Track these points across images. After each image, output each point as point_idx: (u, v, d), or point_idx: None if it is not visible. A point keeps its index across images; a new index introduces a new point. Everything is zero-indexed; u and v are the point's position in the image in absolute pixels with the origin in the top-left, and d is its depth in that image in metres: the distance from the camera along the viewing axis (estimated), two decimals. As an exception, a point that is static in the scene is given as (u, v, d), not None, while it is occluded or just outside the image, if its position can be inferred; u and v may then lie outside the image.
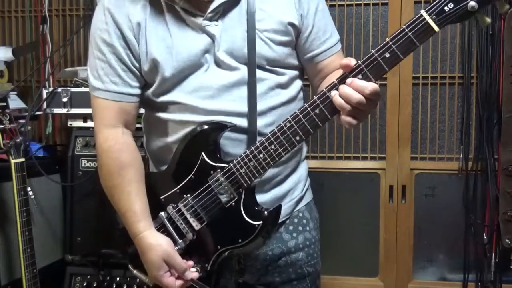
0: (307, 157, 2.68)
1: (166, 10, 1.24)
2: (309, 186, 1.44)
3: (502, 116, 2.23)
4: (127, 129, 1.30)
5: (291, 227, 1.36)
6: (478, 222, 2.43)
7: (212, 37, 1.22)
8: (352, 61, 1.07)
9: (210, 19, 1.22)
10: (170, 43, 1.22)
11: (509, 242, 2.20)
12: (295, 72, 1.33)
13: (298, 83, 1.34)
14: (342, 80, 1.08)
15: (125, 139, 1.29)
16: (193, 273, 1.24)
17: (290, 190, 1.34)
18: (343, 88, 1.07)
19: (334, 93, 1.08)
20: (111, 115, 1.27)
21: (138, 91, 1.29)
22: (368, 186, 2.55)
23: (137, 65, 1.26)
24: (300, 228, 1.37)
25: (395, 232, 2.54)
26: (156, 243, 1.23)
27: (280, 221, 1.31)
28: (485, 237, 2.42)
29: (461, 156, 2.45)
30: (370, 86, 1.05)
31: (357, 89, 1.05)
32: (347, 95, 1.06)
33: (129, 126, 1.31)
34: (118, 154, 1.27)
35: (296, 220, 1.37)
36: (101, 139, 1.29)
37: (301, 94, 1.36)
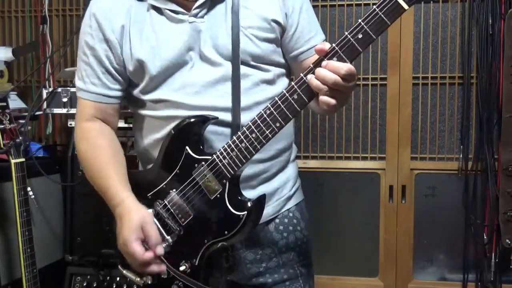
0: (307, 157, 2.69)
1: (151, 10, 1.26)
2: (300, 187, 1.44)
3: (502, 116, 2.23)
4: (105, 124, 1.34)
5: (281, 227, 1.35)
6: (478, 222, 2.43)
7: (199, 32, 1.24)
8: (326, 45, 1.08)
9: (196, 16, 1.24)
10: (154, 43, 1.24)
11: (509, 242, 2.20)
12: (281, 70, 1.34)
13: (284, 81, 1.35)
14: (317, 64, 1.09)
15: (102, 127, 1.33)
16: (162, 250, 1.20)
17: (279, 188, 1.35)
18: (319, 70, 1.08)
19: (310, 76, 1.09)
20: (90, 112, 1.32)
21: (117, 93, 1.32)
22: (368, 186, 2.55)
23: (117, 67, 1.29)
24: (291, 228, 1.37)
25: (395, 232, 2.54)
26: (136, 207, 1.22)
27: (268, 219, 1.32)
28: (485, 237, 2.42)
29: (461, 156, 2.45)
30: (345, 66, 1.06)
31: (332, 70, 1.06)
32: (323, 76, 1.07)
33: (109, 124, 1.35)
34: (94, 139, 1.31)
35: (286, 220, 1.37)
36: (78, 131, 1.33)
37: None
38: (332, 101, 1.08)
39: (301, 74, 1.11)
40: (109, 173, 1.27)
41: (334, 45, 1.08)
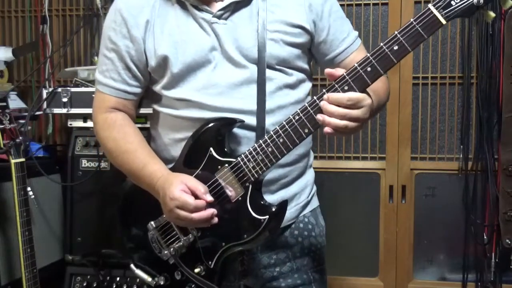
0: (307, 157, 2.66)
1: (175, 6, 1.27)
2: (315, 193, 1.44)
3: (502, 116, 2.23)
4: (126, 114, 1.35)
5: (296, 232, 1.35)
6: (478, 222, 2.43)
7: (217, 35, 1.24)
8: (339, 71, 1.11)
9: (219, 17, 1.24)
10: (178, 39, 1.25)
11: (509, 242, 2.20)
12: (303, 75, 1.33)
13: (306, 86, 1.35)
14: (351, 72, 1.10)
15: (125, 117, 1.33)
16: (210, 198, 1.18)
17: (297, 194, 1.35)
18: (335, 109, 1.10)
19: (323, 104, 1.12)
20: (109, 105, 1.33)
21: (135, 90, 1.33)
22: (368, 186, 2.55)
23: (138, 64, 1.29)
24: (306, 233, 1.36)
25: (395, 232, 2.54)
26: (177, 174, 1.22)
27: (285, 224, 1.31)
28: (485, 237, 2.42)
29: (461, 156, 2.45)
30: (346, 95, 1.09)
31: (333, 102, 1.10)
32: (330, 112, 1.10)
33: (128, 115, 1.35)
34: (121, 127, 1.31)
35: (301, 225, 1.36)
36: (100, 122, 1.33)
37: (310, 97, 1.36)
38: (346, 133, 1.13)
39: (333, 82, 1.12)
40: (144, 155, 1.28)
41: (368, 55, 1.09)
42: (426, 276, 2.55)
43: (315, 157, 2.59)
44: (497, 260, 2.39)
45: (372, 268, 2.57)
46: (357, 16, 2.55)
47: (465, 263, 2.47)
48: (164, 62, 1.25)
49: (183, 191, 1.15)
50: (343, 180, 2.57)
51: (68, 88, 2.33)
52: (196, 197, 1.16)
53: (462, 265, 2.48)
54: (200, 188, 1.17)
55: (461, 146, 2.46)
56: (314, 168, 2.52)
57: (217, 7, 1.25)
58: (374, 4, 2.53)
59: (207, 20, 1.24)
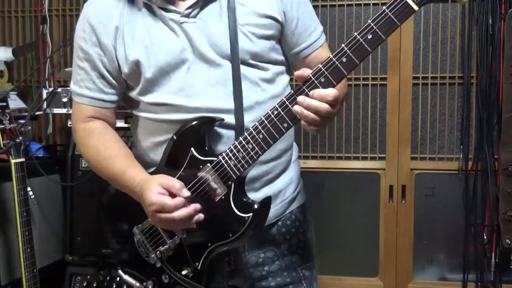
0: (307, 157, 2.69)
1: (143, 10, 1.25)
2: (302, 189, 1.42)
3: (502, 116, 2.23)
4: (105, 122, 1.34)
5: (284, 229, 1.34)
6: (478, 222, 2.43)
7: (187, 35, 1.23)
8: (306, 71, 1.10)
9: (188, 16, 1.23)
10: (148, 43, 1.23)
11: (509, 242, 2.20)
12: (280, 68, 1.32)
13: (284, 79, 1.33)
14: (327, 63, 1.09)
15: (104, 125, 1.33)
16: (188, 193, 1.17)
17: (282, 190, 1.33)
18: (310, 101, 1.08)
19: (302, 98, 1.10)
20: (87, 114, 1.32)
21: (112, 97, 1.32)
22: (368, 186, 2.55)
23: (112, 71, 1.28)
24: (294, 230, 1.35)
25: (395, 232, 2.54)
26: (154, 176, 1.21)
27: (272, 221, 1.31)
28: (485, 237, 2.42)
29: (461, 156, 2.45)
30: (331, 92, 1.08)
31: (318, 98, 1.07)
32: (314, 107, 1.08)
33: (107, 123, 1.34)
34: (102, 135, 1.31)
35: (289, 222, 1.35)
36: (80, 131, 1.33)
37: (288, 90, 1.34)
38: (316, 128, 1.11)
39: (310, 74, 1.10)
40: (124, 161, 1.27)
41: (343, 45, 1.08)
42: (426, 276, 2.55)
43: (315, 157, 2.61)
44: (497, 260, 2.39)
45: (372, 268, 2.57)
46: (357, 16, 2.55)
47: (465, 263, 2.47)
48: (137, 67, 1.24)
49: (159, 193, 1.15)
50: (343, 180, 2.57)
51: (68, 88, 2.32)
52: (174, 195, 1.15)
53: (462, 265, 2.48)
54: (175, 184, 1.16)
55: (461, 146, 2.46)
56: (314, 168, 2.55)
57: (184, 5, 1.23)
58: (374, 4, 2.52)
59: (176, 20, 1.22)
